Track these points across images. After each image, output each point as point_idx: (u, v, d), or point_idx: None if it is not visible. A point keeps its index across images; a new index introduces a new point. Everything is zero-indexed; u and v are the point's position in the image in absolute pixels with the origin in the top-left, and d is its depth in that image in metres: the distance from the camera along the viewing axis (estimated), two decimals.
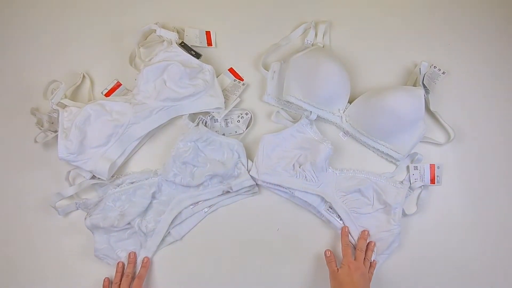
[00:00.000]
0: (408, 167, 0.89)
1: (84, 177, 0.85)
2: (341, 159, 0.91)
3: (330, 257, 0.82)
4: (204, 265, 0.86)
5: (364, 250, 0.82)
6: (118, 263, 0.83)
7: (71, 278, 0.85)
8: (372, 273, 0.81)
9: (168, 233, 0.85)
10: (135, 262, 0.83)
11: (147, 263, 0.83)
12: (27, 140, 0.89)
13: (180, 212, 0.85)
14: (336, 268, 0.80)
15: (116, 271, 0.82)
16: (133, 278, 0.81)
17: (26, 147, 0.90)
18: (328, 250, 0.83)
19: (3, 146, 0.91)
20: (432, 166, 0.89)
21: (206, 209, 0.88)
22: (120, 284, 0.80)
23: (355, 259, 0.80)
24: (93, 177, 0.85)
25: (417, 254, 0.86)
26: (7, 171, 0.90)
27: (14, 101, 0.94)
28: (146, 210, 0.84)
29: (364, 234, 0.83)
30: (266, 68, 0.94)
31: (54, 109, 0.84)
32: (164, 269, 0.85)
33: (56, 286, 0.85)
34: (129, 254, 0.83)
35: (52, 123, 0.87)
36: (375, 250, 0.83)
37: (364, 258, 0.81)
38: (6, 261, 0.86)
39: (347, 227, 0.84)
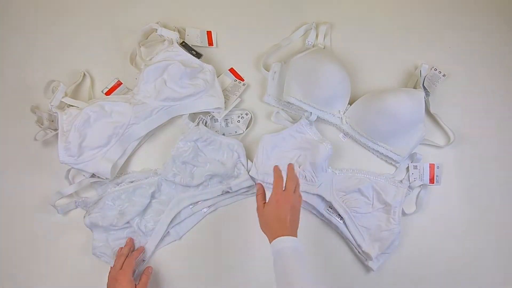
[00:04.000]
0: (407, 166, 0.90)
1: (84, 175, 0.85)
2: (340, 160, 0.91)
3: (259, 190, 0.77)
4: (203, 265, 0.86)
5: (295, 180, 0.75)
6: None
7: (70, 276, 0.85)
8: (299, 194, 0.74)
9: (167, 232, 0.85)
10: (133, 245, 0.83)
11: (148, 270, 0.81)
12: (27, 139, 0.89)
13: (179, 212, 0.85)
14: (263, 203, 0.74)
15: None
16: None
17: (26, 146, 0.90)
18: (259, 183, 0.80)
19: (3, 144, 0.91)
20: (431, 166, 0.89)
21: (205, 209, 0.88)
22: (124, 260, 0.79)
23: (285, 190, 0.73)
24: (93, 175, 0.85)
25: (416, 253, 0.87)
26: (7, 170, 0.90)
27: (15, 99, 0.93)
28: (145, 209, 0.84)
29: (291, 165, 0.77)
30: (267, 68, 0.94)
31: (53, 112, 0.84)
32: (163, 268, 0.85)
33: (56, 284, 0.84)
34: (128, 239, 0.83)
35: (52, 121, 0.87)
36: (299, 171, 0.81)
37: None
38: (6, 260, 0.85)
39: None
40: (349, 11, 1.02)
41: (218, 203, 0.88)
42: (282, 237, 0.66)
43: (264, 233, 0.71)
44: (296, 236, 0.69)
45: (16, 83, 0.95)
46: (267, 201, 0.73)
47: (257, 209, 0.74)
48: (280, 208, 0.70)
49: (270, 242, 0.68)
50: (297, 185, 0.74)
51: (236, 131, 0.92)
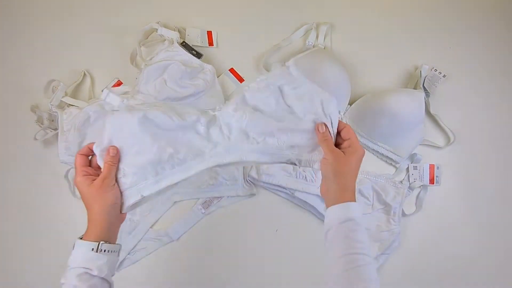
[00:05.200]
0: (407, 167, 0.90)
1: None
2: None
3: (325, 133, 0.57)
4: (202, 265, 0.86)
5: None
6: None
7: None
8: None
9: (165, 233, 0.85)
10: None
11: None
12: (27, 138, 0.88)
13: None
14: (336, 148, 0.57)
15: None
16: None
17: (26, 145, 0.89)
18: (321, 124, 0.58)
19: (3, 144, 0.91)
20: (431, 166, 0.89)
21: (203, 210, 0.87)
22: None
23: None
24: None
25: (416, 254, 0.87)
26: (7, 170, 0.89)
27: (15, 99, 0.93)
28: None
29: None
30: (267, 68, 0.94)
31: (53, 111, 0.84)
32: (162, 269, 0.85)
33: (55, 284, 0.84)
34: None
35: (52, 120, 0.87)
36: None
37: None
38: (5, 260, 0.85)
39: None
40: (350, 11, 1.02)
41: (217, 203, 0.87)
42: (351, 203, 0.55)
43: (329, 180, 0.57)
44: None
45: (17, 83, 0.95)
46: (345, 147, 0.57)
47: (332, 154, 0.56)
48: (358, 166, 0.57)
49: (334, 195, 0.55)
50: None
51: None
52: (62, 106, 0.87)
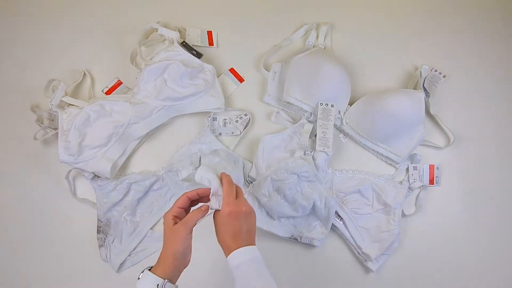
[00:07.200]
0: (407, 167, 0.90)
1: (84, 175, 0.84)
2: (341, 161, 0.91)
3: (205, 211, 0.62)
4: (202, 264, 0.86)
5: (239, 187, 0.65)
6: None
7: (67, 276, 0.85)
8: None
9: None
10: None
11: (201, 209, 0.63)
12: (27, 138, 0.88)
13: None
14: (219, 210, 0.62)
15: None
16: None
17: (25, 145, 0.89)
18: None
19: (3, 143, 0.91)
20: (431, 167, 0.89)
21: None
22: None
23: (236, 198, 0.62)
24: (95, 176, 0.85)
25: (415, 254, 0.87)
26: (7, 169, 0.89)
27: (15, 98, 0.93)
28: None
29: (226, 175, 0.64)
30: (267, 68, 0.94)
31: (53, 111, 0.85)
32: None
33: (54, 284, 0.85)
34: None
35: (52, 120, 0.87)
36: None
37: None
38: (4, 260, 0.85)
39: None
40: (350, 11, 1.02)
41: None
42: (237, 250, 0.59)
43: (220, 245, 0.62)
44: (254, 244, 0.61)
45: (17, 82, 0.95)
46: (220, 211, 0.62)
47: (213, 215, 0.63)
48: (234, 221, 0.60)
49: (226, 257, 0.60)
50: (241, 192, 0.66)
51: (233, 131, 0.91)
52: (62, 105, 0.87)
